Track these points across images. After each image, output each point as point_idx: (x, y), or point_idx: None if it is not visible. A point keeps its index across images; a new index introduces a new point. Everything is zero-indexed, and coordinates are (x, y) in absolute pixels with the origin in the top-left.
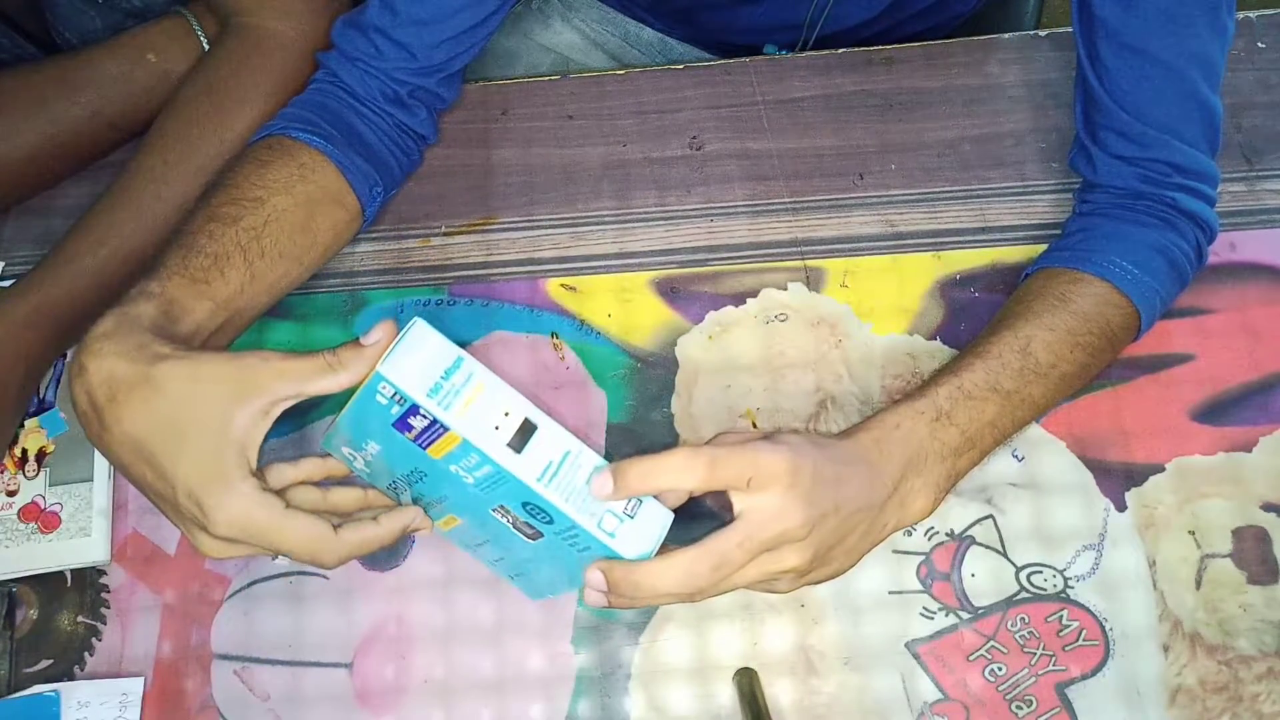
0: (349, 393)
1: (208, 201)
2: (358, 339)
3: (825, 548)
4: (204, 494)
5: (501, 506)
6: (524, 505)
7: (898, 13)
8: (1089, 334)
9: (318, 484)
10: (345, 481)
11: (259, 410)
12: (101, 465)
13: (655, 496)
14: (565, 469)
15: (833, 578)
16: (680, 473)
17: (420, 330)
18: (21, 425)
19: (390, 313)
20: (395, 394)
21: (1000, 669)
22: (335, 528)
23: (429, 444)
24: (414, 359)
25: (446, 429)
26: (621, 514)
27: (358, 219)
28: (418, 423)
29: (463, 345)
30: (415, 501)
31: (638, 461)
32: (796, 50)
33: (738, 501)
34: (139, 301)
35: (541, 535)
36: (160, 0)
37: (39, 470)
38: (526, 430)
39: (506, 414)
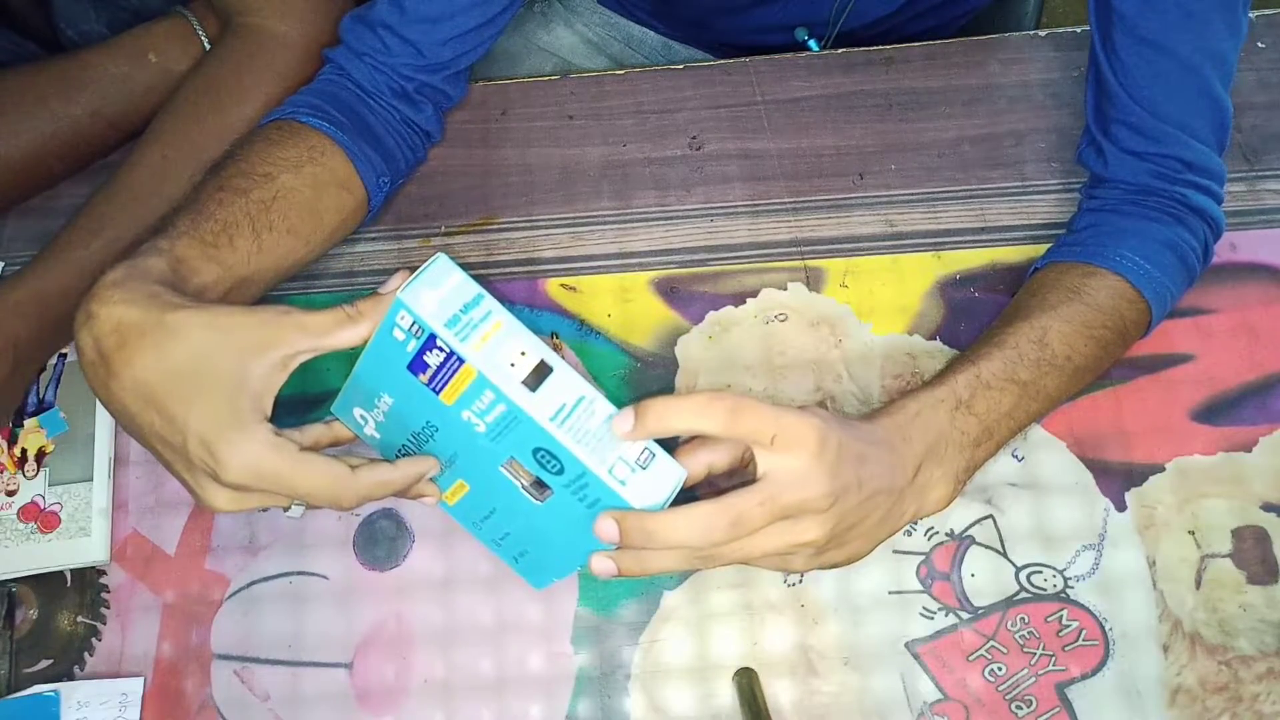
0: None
1: (217, 173)
2: (376, 290)
3: (845, 526)
4: (217, 439)
5: (511, 460)
6: (534, 452)
7: (914, 7)
8: (1103, 327)
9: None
10: (351, 451)
11: (277, 362)
12: (101, 465)
13: (673, 456)
14: (579, 413)
15: (847, 562)
16: (700, 414)
17: (442, 264)
18: (21, 425)
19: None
20: (413, 324)
21: (1000, 669)
22: (352, 469)
23: (442, 386)
24: (434, 291)
25: (462, 362)
26: (633, 464)
27: (364, 206)
28: (433, 359)
29: None
30: None
31: (658, 400)
32: (823, 46)
33: (762, 462)
34: (149, 255)
35: (550, 491)
36: (161, 0)
37: (38, 470)
38: (542, 371)
39: (523, 353)
